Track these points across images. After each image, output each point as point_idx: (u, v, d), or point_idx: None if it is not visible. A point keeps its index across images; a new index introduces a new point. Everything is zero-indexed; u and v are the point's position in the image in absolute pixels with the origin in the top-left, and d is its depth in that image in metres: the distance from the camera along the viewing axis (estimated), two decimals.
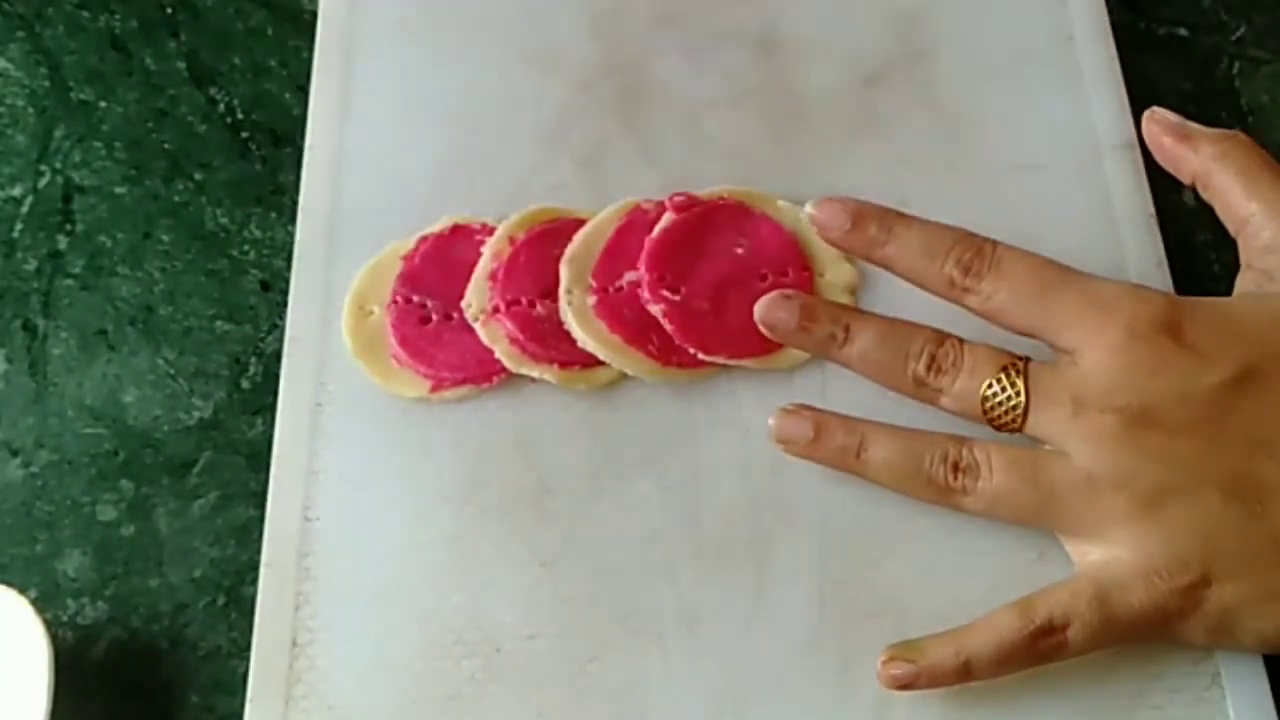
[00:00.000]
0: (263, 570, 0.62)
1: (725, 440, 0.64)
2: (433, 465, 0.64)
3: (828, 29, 0.72)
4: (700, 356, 0.64)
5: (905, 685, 0.57)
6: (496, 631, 0.60)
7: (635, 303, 0.66)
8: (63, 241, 0.72)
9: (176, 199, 0.73)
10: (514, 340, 0.65)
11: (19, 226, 0.73)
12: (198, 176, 0.74)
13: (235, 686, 0.60)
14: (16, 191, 0.74)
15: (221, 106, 0.76)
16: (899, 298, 0.63)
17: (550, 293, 0.66)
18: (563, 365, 0.65)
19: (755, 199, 0.68)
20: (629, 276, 0.66)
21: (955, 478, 0.58)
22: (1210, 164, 0.61)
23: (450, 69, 0.74)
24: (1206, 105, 0.70)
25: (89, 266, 0.71)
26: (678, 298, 0.65)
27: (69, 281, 0.71)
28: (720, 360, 0.64)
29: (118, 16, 0.79)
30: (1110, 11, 0.73)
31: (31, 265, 0.72)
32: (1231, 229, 0.61)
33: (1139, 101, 0.68)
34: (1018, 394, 0.57)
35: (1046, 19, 0.73)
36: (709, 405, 0.65)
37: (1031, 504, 0.58)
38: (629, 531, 0.62)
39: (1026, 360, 0.58)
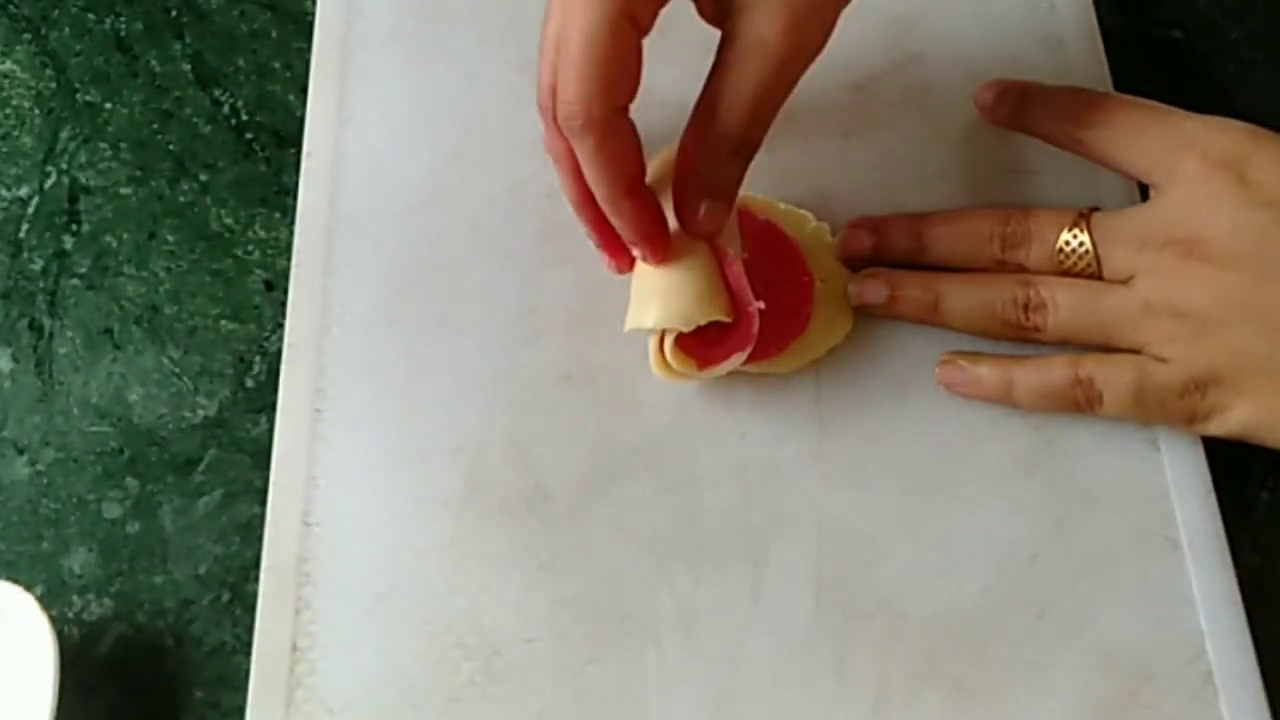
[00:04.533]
0: (263, 575, 0.62)
1: (721, 443, 0.64)
2: (431, 470, 0.64)
3: None
4: (700, 374, 0.63)
5: (951, 384, 0.65)
6: (495, 635, 0.61)
7: None
8: (69, 242, 0.73)
9: (181, 199, 0.74)
10: None
11: (25, 227, 0.73)
12: (203, 177, 0.74)
13: (239, 682, 0.61)
14: (23, 192, 0.74)
15: (226, 108, 0.76)
16: None
17: None
18: None
19: (758, 204, 0.68)
20: None
21: (1027, 317, 0.63)
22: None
23: (446, 76, 0.74)
24: (1200, 108, 0.70)
25: (95, 266, 0.72)
26: None
27: (75, 281, 0.72)
28: (722, 368, 0.64)
29: (123, 19, 0.79)
30: (1104, 14, 0.73)
31: (38, 265, 0.72)
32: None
33: None
34: (1083, 246, 0.62)
35: (1036, 23, 0.73)
36: (705, 409, 0.65)
37: (1095, 331, 0.63)
38: (626, 534, 0.63)
39: (1092, 211, 0.63)
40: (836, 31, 0.58)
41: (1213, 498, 0.62)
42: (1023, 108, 0.67)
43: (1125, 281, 0.62)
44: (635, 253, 0.61)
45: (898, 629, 0.60)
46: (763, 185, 0.67)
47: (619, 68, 0.56)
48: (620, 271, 0.64)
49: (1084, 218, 0.63)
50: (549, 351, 0.67)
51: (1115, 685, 0.59)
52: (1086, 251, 0.62)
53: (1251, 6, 0.75)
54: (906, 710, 0.59)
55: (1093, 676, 0.59)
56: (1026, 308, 0.63)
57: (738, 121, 0.57)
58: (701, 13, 0.61)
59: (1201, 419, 0.61)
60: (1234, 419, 0.60)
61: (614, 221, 0.60)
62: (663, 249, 0.60)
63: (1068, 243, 0.62)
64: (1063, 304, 0.62)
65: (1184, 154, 0.61)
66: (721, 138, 0.58)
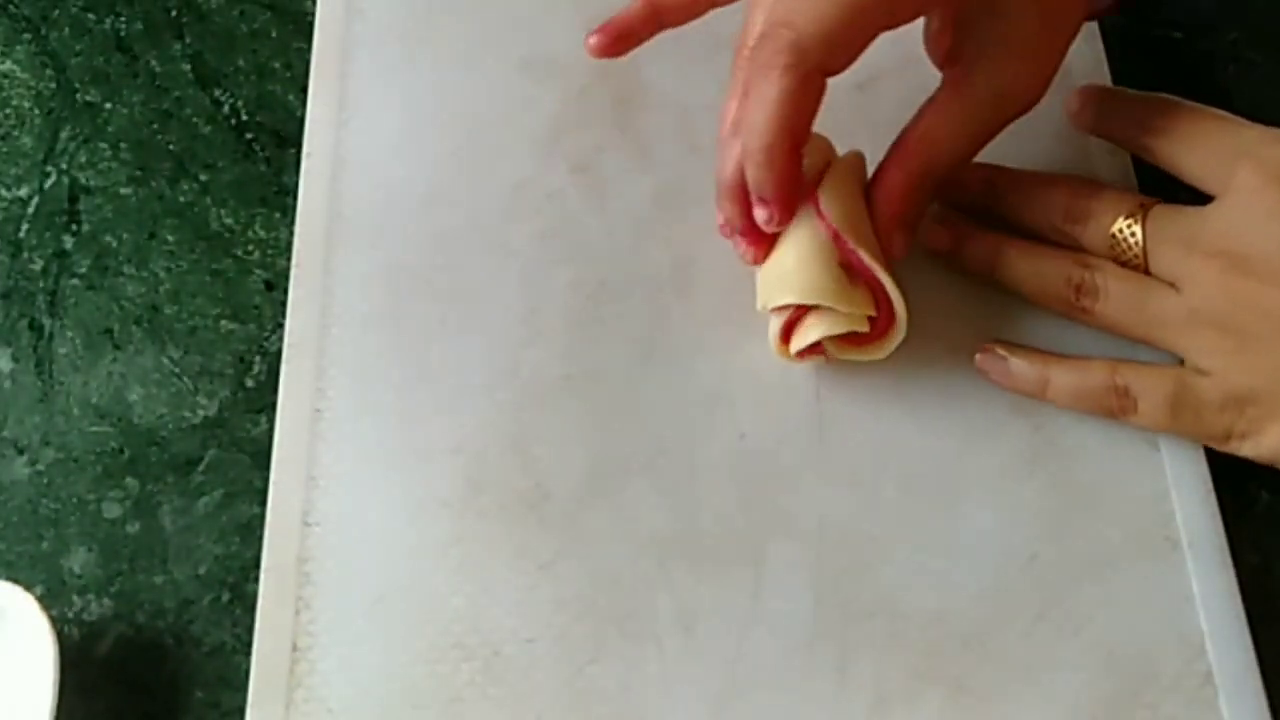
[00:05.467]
0: (263, 575, 0.62)
1: (721, 444, 0.64)
2: (431, 470, 0.64)
3: None
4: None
5: (988, 372, 0.65)
6: (495, 635, 0.61)
7: None
8: (69, 242, 0.73)
9: (181, 199, 0.74)
10: None
11: (25, 227, 0.73)
12: (202, 177, 0.74)
13: (239, 682, 0.61)
14: (23, 192, 0.74)
15: (226, 108, 0.76)
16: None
17: None
18: None
19: None
20: None
21: (1077, 298, 0.63)
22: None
23: (446, 76, 0.74)
24: None
25: (95, 266, 0.72)
26: None
27: (75, 281, 0.72)
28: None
29: (123, 19, 0.79)
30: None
31: (38, 265, 0.72)
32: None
33: None
34: (1134, 237, 0.62)
35: None
36: (705, 409, 0.65)
37: (1140, 328, 0.63)
38: (626, 534, 0.63)
39: (1152, 204, 0.63)
40: None
41: (1213, 498, 0.62)
42: (1101, 114, 0.67)
43: (1171, 285, 0.62)
44: (761, 216, 0.61)
45: (898, 629, 0.60)
46: None
47: (857, 36, 0.57)
48: (756, 261, 0.64)
49: (1144, 208, 0.62)
50: (549, 351, 0.67)
51: (1115, 685, 0.59)
52: (1137, 243, 0.62)
53: (1251, 6, 0.75)
54: (906, 710, 0.59)
55: (1093, 677, 0.59)
56: (1079, 289, 0.63)
57: (951, 163, 0.61)
58: (931, 54, 0.63)
59: (1237, 438, 0.61)
60: (1266, 443, 0.60)
61: (763, 175, 0.59)
62: (789, 216, 0.61)
63: (1120, 230, 0.62)
64: (1114, 294, 0.63)
65: (1239, 164, 0.60)
66: (929, 175, 0.61)
